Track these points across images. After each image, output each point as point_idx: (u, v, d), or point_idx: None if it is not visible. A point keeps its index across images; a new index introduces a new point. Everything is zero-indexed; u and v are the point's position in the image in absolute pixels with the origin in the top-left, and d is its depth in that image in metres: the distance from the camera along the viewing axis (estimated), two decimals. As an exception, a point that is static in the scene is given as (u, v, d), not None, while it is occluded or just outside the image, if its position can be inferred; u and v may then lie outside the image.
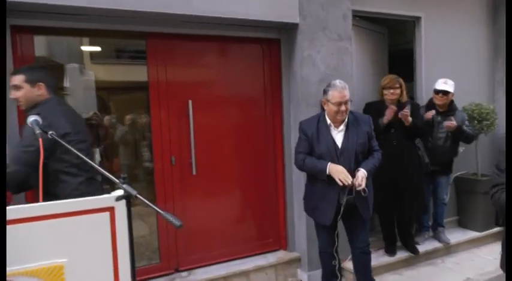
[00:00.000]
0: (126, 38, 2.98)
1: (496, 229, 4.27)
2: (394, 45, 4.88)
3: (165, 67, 3.10)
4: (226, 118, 3.35)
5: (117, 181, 1.49)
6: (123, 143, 3.03)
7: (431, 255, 3.84)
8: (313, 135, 2.65)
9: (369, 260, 2.97)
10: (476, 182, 4.19)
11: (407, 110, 3.33)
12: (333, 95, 2.56)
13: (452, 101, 3.83)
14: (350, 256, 3.50)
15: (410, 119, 3.36)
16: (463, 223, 4.39)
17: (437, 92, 3.75)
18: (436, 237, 4.00)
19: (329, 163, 2.53)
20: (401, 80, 3.55)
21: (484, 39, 4.67)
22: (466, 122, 3.85)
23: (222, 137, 3.34)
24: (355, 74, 3.59)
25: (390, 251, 3.66)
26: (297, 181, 3.45)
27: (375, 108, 3.53)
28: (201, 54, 3.26)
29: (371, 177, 2.66)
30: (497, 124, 4.15)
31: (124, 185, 1.47)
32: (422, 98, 4.12)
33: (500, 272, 3.50)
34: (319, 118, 2.71)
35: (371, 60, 4.24)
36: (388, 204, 3.49)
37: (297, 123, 3.34)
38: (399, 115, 3.34)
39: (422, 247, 3.84)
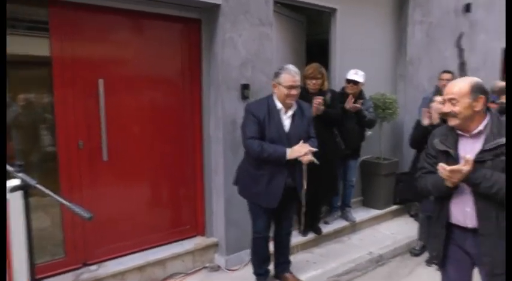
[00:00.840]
0: (23, 3, 2.59)
1: (394, 207, 4.74)
2: (312, 34, 5.04)
3: (71, 41, 2.78)
4: (142, 100, 3.14)
5: (11, 168, 1.28)
6: (16, 125, 2.66)
7: (339, 233, 4.13)
8: (265, 118, 2.69)
9: (290, 240, 3.15)
10: (379, 165, 4.58)
11: (320, 99, 3.44)
12: (285, 78, 2.64)
13: (361, 91, 4.10)
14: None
15: (322, 108, 3.47)
16: (366, 203, 4.79)
17: (348, 81, 3.97)
18: (344, 216, 4.30)
19: (287, 148, 2.64)
20: (323, 70, 3.67)
21: (389, 35, 5.05)
22: (370, 109, 4.17)
23: (136, 120, 3.13)
24: (275, 61, 3.62)
25: (304, 231, 3.86)
26: (215, 165, 3.40)
27: (302, 96, 3.54)
28: (115, 29, 2.99)
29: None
30: (398, 113, 4.55)
31: (20, 174, 1.28)
32: (336, 87, 4.34)
33: (397, 245, 3.93)
34: (268, 101, 2.76)
35: (291, 47, 4.33)
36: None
37: (216, 106, 3.29)
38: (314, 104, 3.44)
39: (332, 226, 4.11)
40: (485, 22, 6.57)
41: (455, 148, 1.99)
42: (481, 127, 1.94)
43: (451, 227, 2.05)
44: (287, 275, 3.11)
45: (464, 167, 1.82)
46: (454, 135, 2.01)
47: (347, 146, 4.00)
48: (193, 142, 3.45)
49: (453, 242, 2.07)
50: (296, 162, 2.72)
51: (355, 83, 3.95)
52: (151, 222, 3.29)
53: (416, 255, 3.84)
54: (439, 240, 2.09)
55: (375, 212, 4.60)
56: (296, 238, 3.73)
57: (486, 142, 1.91)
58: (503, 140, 1.85)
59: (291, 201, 2.96)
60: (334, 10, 4.30)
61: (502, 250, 1.85)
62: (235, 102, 3.33)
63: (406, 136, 4.73)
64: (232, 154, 3.34)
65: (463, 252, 2.05)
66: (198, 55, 3.36)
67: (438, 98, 3.11)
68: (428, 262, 3.62)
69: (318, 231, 3.91)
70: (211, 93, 3.36)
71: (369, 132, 4.34)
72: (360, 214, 4.47)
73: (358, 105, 3.86)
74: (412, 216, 4.73)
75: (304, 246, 3.79)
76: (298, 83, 2.70)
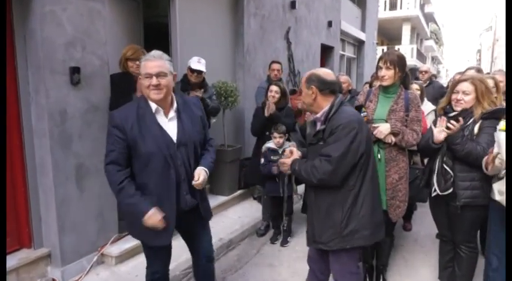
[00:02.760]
0: None
1: (239, 192, 4.95)
2: (150, 17, 4.74)
3: None
4: None
5: None
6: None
7: (189, 223, 4.06)
8: (133, 129, 1.98)
9: (213, 267, 2.56)
10: (224, 152, 4.68)
11: None
12: (144, 65, 2.00)
13: (204, 79, 4.07)
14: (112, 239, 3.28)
15: None
16: (213, 190, 4.85)
17: (192, 71, 3.88)
18: (193, 206, 4.25)
19: (152, 209, 1.97)
20: (146, 52, 3.42)
21: (228, 25, 5.18)
22: (213, 97, 4.20)
23: None
24: (109, 42, 3.25)
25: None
26: (41, 164, 2.87)
27: (124, 81, 3.24)
28: None
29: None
30: (239, 101, 4.73)
31: None
32: (178, 74, 4.20)
33: (245, 228, 4.11)
34: (139, 104, 2.06)
35: (126, 29, 3.97)
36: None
37: (38, 94, 2.76)
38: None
39: (181, 217, 4.00)
40: (307, 19, 7.42)
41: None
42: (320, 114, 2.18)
43: None
44: None
45: None
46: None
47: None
48: (9, 138, 2.81)
49: None
50: (193, 161, 2.14)
51: (199, 72, 3.89)
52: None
53: (262, 235, 4.10)
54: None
55: (222, 199, 4.70)
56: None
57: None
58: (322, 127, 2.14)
59: (197, 221, 2.31)
60: (172, -6, 4.13)
61: (316, 220, 2.23)
62: (64, 88, 2.85)
63: (247, 123, 4.98)
64: (62, 150, 2.87)
65: None
66: (9, 31, 2.72)
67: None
68: (272, 240, 3.93)
69: None
70: (31, 78, 2.79)
71: (213, 120, 4.37)
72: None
73: (198, 93, 3.82)
74: (255, 199, 5.02)
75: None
76: (161, 70, 1.97)
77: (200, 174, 2.08)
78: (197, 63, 3.87)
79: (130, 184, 2.01)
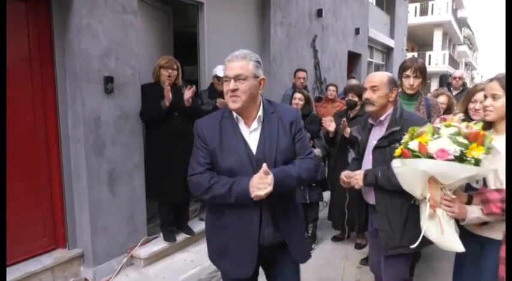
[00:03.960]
0: None
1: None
2: (179, 27, 4.91)
3: None
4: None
5: None
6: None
7: (215, 228, 4.12)
8: (214, 140, 1.73)
9: None
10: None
11: (194, 90, 3.37)
12: (225, 67, 1.74)
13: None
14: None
15: (191, 100, 3.37)
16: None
17: (218, 78, 3.97)
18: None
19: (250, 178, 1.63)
20: (178, 63, 3.52)
21: (254, 33, 5.28)
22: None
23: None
24: (141, 52, 3.39)
25: (171, 238, 3.56)
26: (76, 168, 3.02)
27: (153, 90, 3.36)
28: None
29: (282, 189, 1.68)
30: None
31: None
32: (206, 81, 4.32)
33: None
34: (223, 114, 1.78)
35: (157, 39, 4.13)
36: (174, 190, 3.40)
37: (75, 102, 2.92)
38: (185, 97, 3.34)
39: (208, 222, 4.07)
40: (334, 27, 7.43)
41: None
42: (384, 116, 2.18)
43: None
44: None
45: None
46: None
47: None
48: (46, 143, 2.99)
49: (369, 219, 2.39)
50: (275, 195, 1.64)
51: None
52: (-5, 240, 2.73)
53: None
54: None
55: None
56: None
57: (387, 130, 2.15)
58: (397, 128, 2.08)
59: (285, 264, 1.86)
60: (201, 4, 4.26)
61: (395, 225, 2.10)
62: (98, 97, 3.00)
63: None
64: (96, 155, 3.01)
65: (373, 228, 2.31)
66: (49, 41, 2.91)
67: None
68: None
69: (190, 232, 3.75)
70: (68, 87, 2.95)
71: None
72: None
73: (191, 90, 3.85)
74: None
75: (181, 245, 3.67)
76: (239, 72, 1.65)
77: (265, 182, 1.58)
78: (223, 71, 3.93)
79: (219, 178, 1.69)
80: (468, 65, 41.13)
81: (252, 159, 1.69)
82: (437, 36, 23.28)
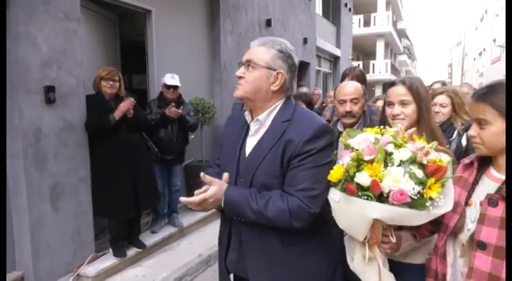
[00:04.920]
0: None
1: (218, 207, 4.95)
2: (127, 35, 4.78)
3: None
4: None
5: None
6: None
7: (168, 240, 4.04)
8: (225, 137, 1.61)
9: None
10: (202, 168, 4.70)
11: (132, 100, 3.30)
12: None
13: (180, 95, 4.11)
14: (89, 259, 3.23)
15: (132, 111, 3.31)
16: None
17: (167, 87, 3.92)
18: (171, 223, 4.23)
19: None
20: (120, 74, 3.43)
21: (204, 42, 5.26)
22: (191, 113, 4.25)
23: None
24: (86, 61, 3.26)
25: (121, 253, 3.42)
26: (14, 185, 2.81)
27: (97, 101, 3.25)
28: None
29: (235, 216, 1.42)
30: (217, 117, 4.78)
31: None
32: (155, 91, 4.24)
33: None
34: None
35: (102, 47, 3.99)
36: (125, 205, 3.31)
37: (12, 113, 2.73)
38: (122, 109, 3.23)
39: (160, 235, 3.98)
40: (283, 36, 7.58)
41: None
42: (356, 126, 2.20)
43: None
44: None
45: None
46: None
47: (169, 150, 3.95)
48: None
49: None
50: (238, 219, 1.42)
51: (175, 87, 3.93)
52: None
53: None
54: None
55: (201, 215, 4.68)
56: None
57: None
58: None
59: None
60: (149, 11, 4.19)
61: None
62: (39, 107, 2.83)
63: (225, 138, 5.01)
64: (37, 169, 2.84)
65: None
66: (-18, 50, 2.71)
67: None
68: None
69: (141, 245, 3.62)
70: (8, 96, 2.76)
71: (191, 136, 4.41)
72: (188, 218, 4.49)
73: (179, 110, 3.86)
74: (234, 213, 5.03)
75: (133, 259, 3.54)
76: (253, 58, 1.41)
77: (203, 194, 1.36)
78: (171, 79, 3.91)
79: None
80: (408, 73, 43.81)
81: (239, 166, 1.45)
82: (380, 46, 24.57)
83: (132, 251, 3.54)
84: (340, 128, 2.29)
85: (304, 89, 5.81)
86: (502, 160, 1.21)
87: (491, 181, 1.23)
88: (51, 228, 2.96)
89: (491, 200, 1.18)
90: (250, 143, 1.45)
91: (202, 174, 1.37)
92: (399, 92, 1.59)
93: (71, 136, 3.08)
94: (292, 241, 1.39)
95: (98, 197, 3.30)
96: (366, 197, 1.17)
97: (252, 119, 1.47)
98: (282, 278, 1.41)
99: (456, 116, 2.59)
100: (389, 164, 1.19)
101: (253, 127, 1.46)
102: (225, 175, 1.43)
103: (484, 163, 1.28)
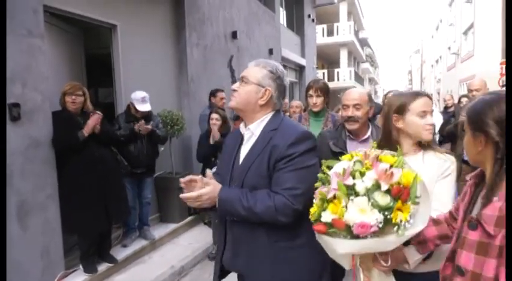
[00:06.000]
0: None
1: (189, 218, 4.98)
2: (92, 49, 4.77)
3: None
4: None
5: None
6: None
7: (140, 253, 4.03)
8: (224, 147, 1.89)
9: None
10: (172, 179, 4.72)
11: (99, 115, 3.33)
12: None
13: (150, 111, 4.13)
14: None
15: (99, 127, 3.34)
16: (164, 218, 4.85)
17: (134, 106, 3.93)
18: (143, 236, 4.23)
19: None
20: (84, 88, 3.46)
21: (170, 55, 5.32)
22: (160, 125, 4.30)
23: None
24: (51, 77, 3.25)
25: (92, 269, 3.41)
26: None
27: (62, 118, 3.25)
28: None
29: (225, 215, 1.66)
30: (185, 128, 4.83)
31: None
32: (122, 104, 4.25)
33: (196, 253, 4.14)
34: None
35: (67, 62, 3.98)
36: (96, 219, 3.32)
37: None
38: (90, 125, 3.27)
39: (131, 248, 3.97)
40: (249, 48, 7.78)
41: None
42: (368, 133, 2.28)
43: None
44: None
45: None
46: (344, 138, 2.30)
47: (139, 164, 3.97)
48: None
49: None
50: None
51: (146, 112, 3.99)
52: None
53: (214, 258, 4.13)
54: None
55: (172, 226, 4.70)
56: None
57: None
58: None
59: None
60: (114, 26, 4.21)
61: None
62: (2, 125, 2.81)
63: (194, 149, 5.06)
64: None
65: None
66: None
67: None
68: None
69: (112, 260, 3.61)
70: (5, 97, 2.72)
71: (161, 148, 4.44)
72: (159, 230, 4.49)
73: (149, 126, 3.90)
74: (205, 224, 5.08)
75: (104, 275, 3.51)
76: (246, 75, 1.64)
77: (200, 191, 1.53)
78: (141, 104, 3.91)
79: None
80: (371, 80, 45.31)
81: (233, 173, 1.65)
82: (343, 55, 25.36)
83: (103, 267, 3.52)
84: (344, 137, 2.32)
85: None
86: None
87: (480, 201, 1.15)
88: (18, 247, 2.90)
89: (470, 223, 1.11)
90: (244, 151, 1.66)
91: (209, 171, 1.62)
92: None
93: (37, 153, 3.06)
94: (279, 237, 1.56)
95: (67, 212, 3.27)
96: (339, 234, 1.19)
97: (246, 127, 1.68)
98: (272, 272, 1.57)
99: None
100: (353, 196, 1.17)
101: (246, 135, 1.67)
102: (208, 172, 1.62)
103: (483, 180, 1.19)
